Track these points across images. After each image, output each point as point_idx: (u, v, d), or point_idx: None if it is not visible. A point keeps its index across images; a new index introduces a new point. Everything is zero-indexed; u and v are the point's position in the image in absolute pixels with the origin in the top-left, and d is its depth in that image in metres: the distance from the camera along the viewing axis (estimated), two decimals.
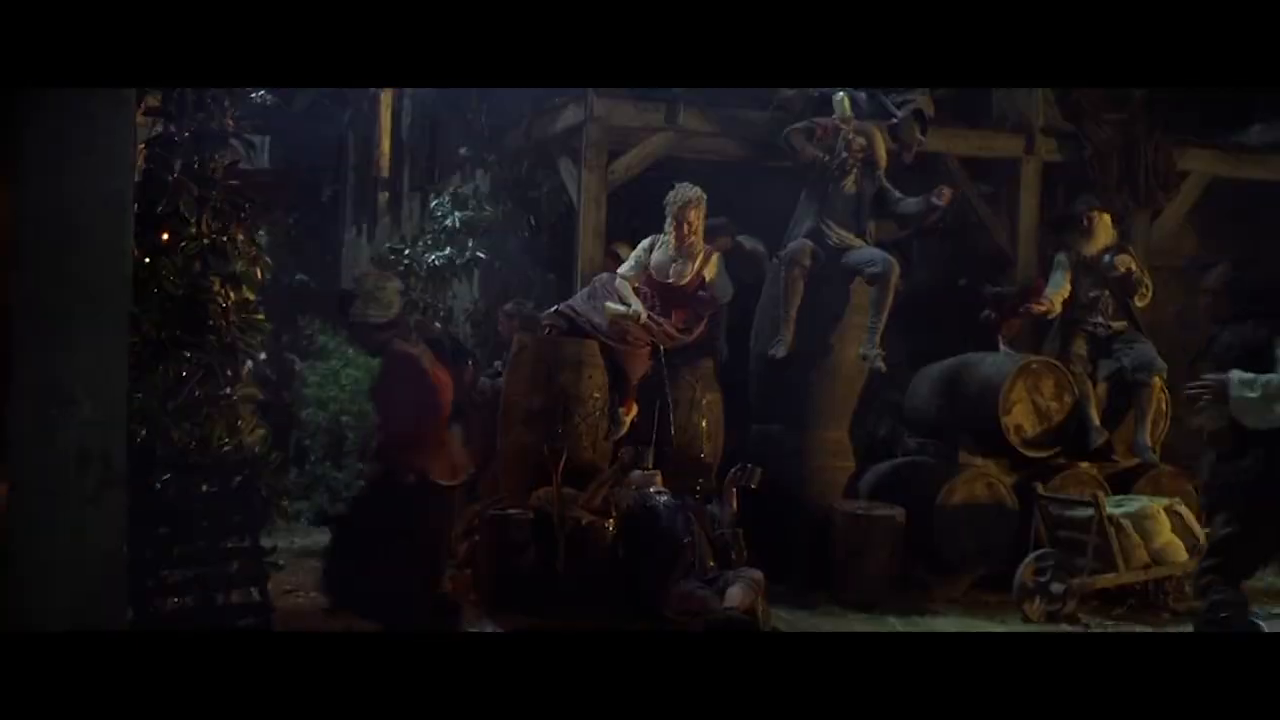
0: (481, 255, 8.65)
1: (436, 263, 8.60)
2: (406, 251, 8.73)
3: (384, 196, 10.85)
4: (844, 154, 7.10)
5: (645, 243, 7.09)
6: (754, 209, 8.33)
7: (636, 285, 7.02)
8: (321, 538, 9.51)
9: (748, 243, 7.64)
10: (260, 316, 6.24)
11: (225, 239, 5.96)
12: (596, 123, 7.71)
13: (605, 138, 7.75)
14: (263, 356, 10.17)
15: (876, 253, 7.05)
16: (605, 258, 7.57)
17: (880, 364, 6.92)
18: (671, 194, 6.93)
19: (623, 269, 7.05)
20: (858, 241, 7.15)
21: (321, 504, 10.17)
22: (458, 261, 8.57)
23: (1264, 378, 4.35)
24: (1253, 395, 4.34)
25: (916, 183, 8.35)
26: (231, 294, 5.95)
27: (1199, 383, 4.49)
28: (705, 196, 6.94)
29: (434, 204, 8.83)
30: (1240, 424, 4.39)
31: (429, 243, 8.72)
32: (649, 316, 6.89)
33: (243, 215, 6.07)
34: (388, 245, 9.16)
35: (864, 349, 6.91)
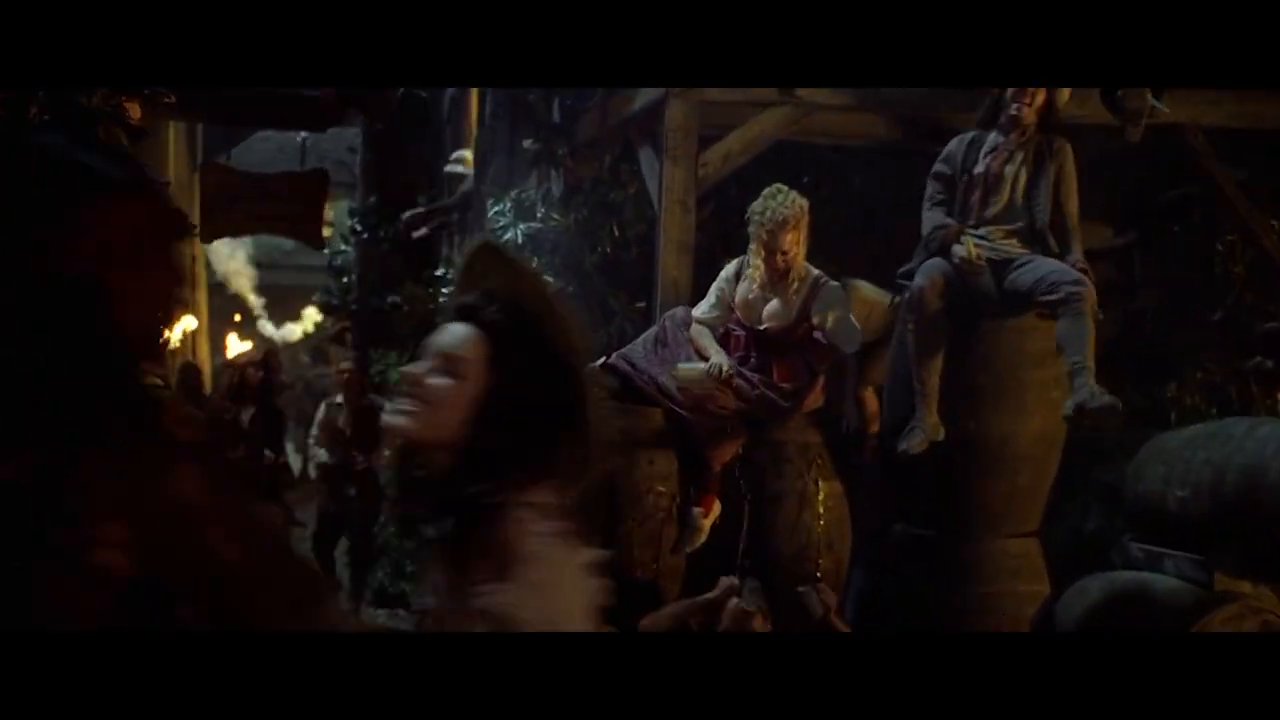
0: (549, 279, 6.63)
1: None
2: (449, 275, 6.82)
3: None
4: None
5: (729, 268, 4.97)
6: (907, 211, 6.13)
7: (727, 328, 4.92)
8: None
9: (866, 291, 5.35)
10: (158, 381, 4.43)
11: None
12: (681, 98, 5.61)
13: (695, 117, 5.64)
14: (340, 400, 7.99)
15: (1054, 268, 4.61)
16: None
17: (1114, 405, 4.49)
18: (758, 204, 4.78)
19: (699, 310, 4.94)
20: (1024, 250, 4.77)
21: (382, 581, 8.42)
22: None
23: None
24: None
25: (1146, 169, 5.93)
26: None
27: None
28: (806, 209, 4.76)
29: (492, 213, 6.87)
30: None
31: None
32: (734, 371, 4.76)
33: None
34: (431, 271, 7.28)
35: (1078, 398, 4.50)
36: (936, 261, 4.69)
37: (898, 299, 5.51)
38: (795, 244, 4.78)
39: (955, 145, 4.91)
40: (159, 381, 4.35)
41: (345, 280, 10.52)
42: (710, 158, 5.67)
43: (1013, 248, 4.70)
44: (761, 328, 4.85)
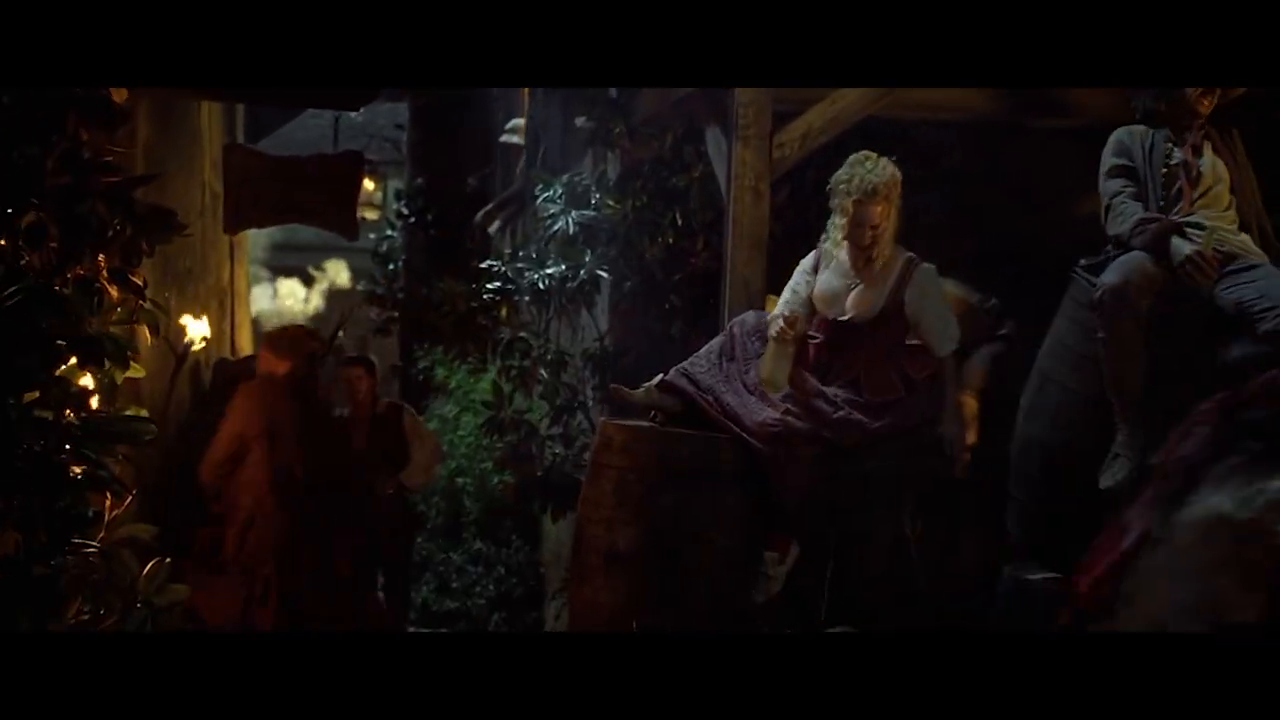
0: (604, 273, 5.97)
1: (542, 284, 5.99)
2: (500, 269, 6.19)
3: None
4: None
5: (806, 261, 4.29)
6: (1017, 202, 5.43)
7: (805, 336, 4.21)
8: None
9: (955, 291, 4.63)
10: (142, 413, 3.79)
11: (69, 277, 3.59)
12: None
13: (769, 91, 4.91)
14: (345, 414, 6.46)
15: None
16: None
17: None
18: (844, 172, 4.12)
19: (778, 310, 4.24)
20: (1253, 249, 3.92)
21: (427, 597, 7.84)
22: (570, 283, 5.93)
23: None
24: None
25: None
26: (88, 378, 3.57)
27: None
28: (899, 179, 4.06)
29: (540, 200, 6.21)
30: None
31: (534, 256, 6.13)
32: (818, 393, 4.06)
33: (111, 235, 3.68)
34: (481, 263, 6.61)
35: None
36: (1137, 256, 3.89)
37: (993, 302, 4.80)
38: (885, 218, 4.08)
39: (1125, 137, 4.12)
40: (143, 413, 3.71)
41: (391, 267, 9.92)
42: (787, 137, 4.94)
43: (1244, 245, 3.90)
44: (845, 318, 4.13)
